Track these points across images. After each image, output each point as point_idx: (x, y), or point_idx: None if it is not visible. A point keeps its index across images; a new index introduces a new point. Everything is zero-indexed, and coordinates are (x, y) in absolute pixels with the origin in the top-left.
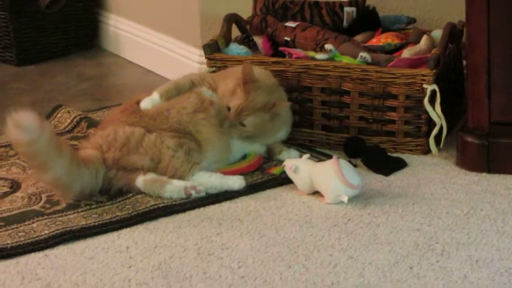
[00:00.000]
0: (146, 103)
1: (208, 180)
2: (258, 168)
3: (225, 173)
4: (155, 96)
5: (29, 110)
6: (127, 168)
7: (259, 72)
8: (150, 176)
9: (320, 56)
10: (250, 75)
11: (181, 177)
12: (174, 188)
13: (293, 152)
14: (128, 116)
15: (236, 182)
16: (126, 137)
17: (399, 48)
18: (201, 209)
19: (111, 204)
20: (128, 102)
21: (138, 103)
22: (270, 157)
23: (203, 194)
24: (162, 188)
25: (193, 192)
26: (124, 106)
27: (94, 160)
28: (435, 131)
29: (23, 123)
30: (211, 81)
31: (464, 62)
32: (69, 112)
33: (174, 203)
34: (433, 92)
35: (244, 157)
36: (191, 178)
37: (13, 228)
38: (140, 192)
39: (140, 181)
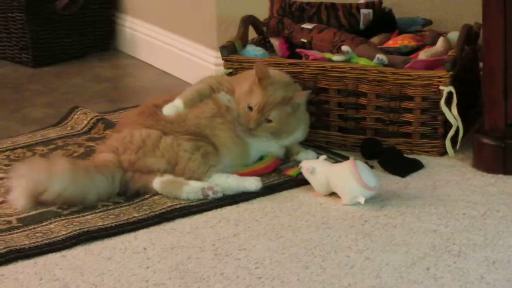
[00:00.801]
0: (169, 110)
1: (225, 181)
2: (275, 170)
3: (241, 175)
4: (178, 104)
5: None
6: (143, 171)
7: (272, 71)
8: (167, 177)
9: (336, 57)
10: (264, 72)
11: (198, 179)
12: (191, 189)
13: (311, 152)
14: (145, 119)
15: (253, 183)
16: (142, 140)
17: (416, 50)
18: (218, 210)
19: (128, 205)
20: (145, 105)
21: (155, 106)
22: (287, 158)
23: (220, 195)
24: (179, 189)
25: (210, 193)
26: (141, 108)
27: (110, 165)
28: (451, 133)
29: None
30: (228, 85)
31: (481, 64)
32: (85, 113)
33: (190, 204)
34: (450, 94)
35: (260, 158)
36: (208, 180)
37: (30, 229)
38: (157, 193)
39: (157, 182)
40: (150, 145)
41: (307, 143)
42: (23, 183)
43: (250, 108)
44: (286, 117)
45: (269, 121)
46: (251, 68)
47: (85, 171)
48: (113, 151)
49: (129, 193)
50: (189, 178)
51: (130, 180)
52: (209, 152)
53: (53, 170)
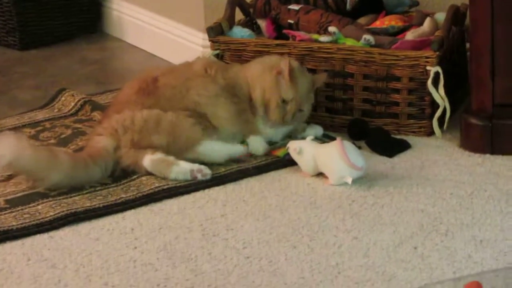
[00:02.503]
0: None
1: (213, 148)
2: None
3: None
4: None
5: (7, 133)
6: (143, 148)
7: (278, 58)
8: (158, 156)
9: (323, 38)
10: (291, 64)
11: (191, 146)
12: (180, 170)
13: (317, 127)
14: (145, 98)
15: (240, 148)
16: (144, 120)
17: (403, 30)
18: (206, 190)
19: (116, 186)
20: (143, 78)
21: (154, 79)
22: (294, 136)
23: (208, 177)
24: (168, 169)
25: (199, 176)
26: (138, 83)
27: (103, 153)
28: (438, 113)
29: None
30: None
31: (468, 45)
32: (73, 95)
33: (178, 184)
34: (437, 74)
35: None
36: (200, 147)
37: (18, 210)
38: (144, 174)
39: (147, 160)
40: (152, 123)
41: None
42: (13, 152)
43: (284, 102)
44: (312, 103)
45: (301, 110)
46: (239, 50)
47: (82, 165)
48: (111, 134)
49: (117, 171)
50: (184, 145)
51: (122, 156)
52: (208, 127)
53: (55, 163)
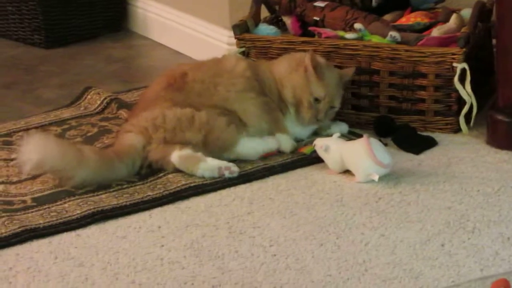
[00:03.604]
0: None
1: (250, 146)
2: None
3: None
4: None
5: (33, 134)
6: (175, 143)
7: (303, 55)
8: (186, 152)
9: (349, 35)
10: (317, 60)
11: (230, 147)
12: (208, 167)
13: (342, 124)
14: (174, 94)
15: (273, 143)
16: (178, 119)
17: (429, 27)
18: (232, 188)
19: (142, 184)
20: (172, 74)
21: (184, 74)
22: (319, 133)
23: (236, 174)
24: (196, 166)
25: (226, 173)
26: (167, 79)
27: (131, 151)
28: (465, 110)
29: (27, 149)
30: (270, 74)
31: (494, 41)
32: (98, 93)
33: (205, 182)
34: (463, 71)
35: None
36: (238, 147)
37: (45, 208)
38: (171, 172)
39: (175, 156)
40: (186, 122)
41: None
42: (40, 155)
43: (317, 100)
44: (341, 97)
45: (333, 107)
46: (264, 47)
47: (109, 162)
48: (141, 132)
49: (146, 166)
50: (222, 146)
51: (151, 151)
52: (240, 127)
53: (82, 161)
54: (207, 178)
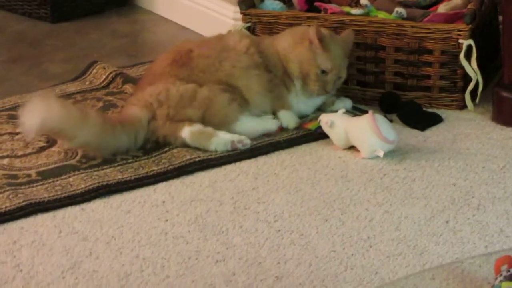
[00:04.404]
0: None
1: (249, 124)
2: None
3: None
4: None
5: (37, 98)
6: (178, 120)
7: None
8: (197, 127)
9: (355, 11)
10: (322, 32)
11: (228, 123)
12: (220, 141)
13: (346, 100)
14: (178, 70)
15: (274, 123)
16: (180, 95)
17: (435, 3)
18: (237, 163)
19: (147, 158)
20: (177, 50)
21: (190, 51)
22: (323, 109)
23: (248, 147)
24: (208, 140)
25: (239, 146)
26: (173, 55)
27: (135, 122)
28: (470, 86)
29: (28, 114)
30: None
31: (500, 18)
32: (104, 68)
33: (209, 157)
34: (469, 47)
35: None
36: (236, 124)
37: (49, 182)
38: (180, 145)
39: (187, 131)
40: (187, 98)
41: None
42: (44, 115)
43: (324, 73)
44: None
45: (340, 77)
46: (270, 23)
47: (112, 128)
48: (146, 106)
49: (152, 141)
50: (220, 122)
51: (158, 127)
52: (241, 104)
53: (86, 122)
54: (221, 151)
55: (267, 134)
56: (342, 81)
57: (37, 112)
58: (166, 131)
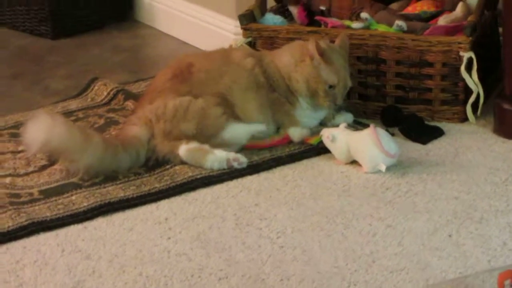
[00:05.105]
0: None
1: (237, 132)
2: (290, 142)
3: (257, 147)
4: None
5: (43, 113)
6: (175, 138)
7: (305, 43)
8: (193, 145)
9: (356, 25)
10: (322, 47)
11: (216, 133)
12: (216, 158)
13: (348, 114)
14: (179, 85)
15: (260, 126)
16: (175, 109)
17: (435, 15)
18: (239, 179)
19: (149, 175)
20: (177, 65)
21: (190, 65)
22: (324, 123)
23: (245, 165)
24: (204, 158)
25: (235, 164)
26: (173, 70)
27: (135, 142)
28: (472, 99)
29: (33, 128)
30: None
31: (501, 29)
32: (105, 84)
33: (211, 174)
34: (470, 60)
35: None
36: (224, 132)
37: (52, 201)
38: (178, 163)
39: (183, 149)
40: (182, 110)
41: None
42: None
43: (332, 87)
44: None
45: (347, 88)
46: (271, 37)
47: (114, 149)
48: (146, 123)
49: (154, 160)
50: (212, 133)
51: (157, 145)
52: (234, 118)
53: (89, 144)
54: (216, 169)
55: (270, 148)
56: (346, 91)
57: (42, 129)
58: (164, 150)
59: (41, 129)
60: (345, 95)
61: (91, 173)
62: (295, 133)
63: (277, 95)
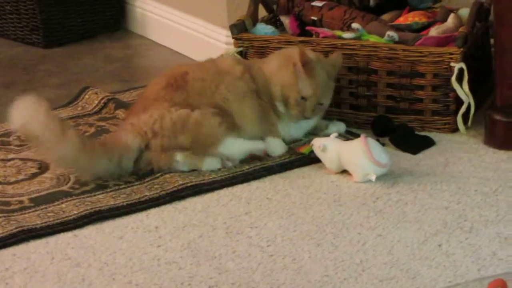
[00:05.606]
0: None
1: (236, 147)
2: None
3: None
4: None
5: (31, 98)
6: (171, 149)
7: (294, 51)
8: (189, 152)
9: (347, 35)
10: (306, 57)
11: (213, 143)
12: (212, 160)
13: (340, 123)
14: (173, 94)
15: (260, 146)
16: (173, 123)
17: (427, 26)
18: (230, 188)
19: (140, 184)
20: (172, 73)
21: (185, 73)
22: (316, 133)
23: (236, 162)
24: (201, 161)
25: (228, 163)
26: (167, 79)
27: (121, 148)
28: (462, 109)
29: (17, 108)
30: (260, 72)
31: (492, 40)
32: (96, 93)
33: (202, 182)
34: (461, 70)
35: None
36: (221, 145)
37: (42, 209)
38: (168, 172)
39: (180, 157)
40: (180, 124)
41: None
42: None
43: (304, 98)
44: (331, 92)
45: (321, 104)
46: (262, 47)
47: (90, 149)
48: (140, 134)
49: (148, 170)
50: (209, 144)
51: (153, 159)
52: (231, 128)
53: (63, 137)
54: (212, 169)
55: (258, 157)
56: (325, 107)
57: (24, 112)
58: (161, 163)
59: (23, 111)
60: (321, 111)
61: (62, 167)
62: (272, 144)
63: (263, 102)
